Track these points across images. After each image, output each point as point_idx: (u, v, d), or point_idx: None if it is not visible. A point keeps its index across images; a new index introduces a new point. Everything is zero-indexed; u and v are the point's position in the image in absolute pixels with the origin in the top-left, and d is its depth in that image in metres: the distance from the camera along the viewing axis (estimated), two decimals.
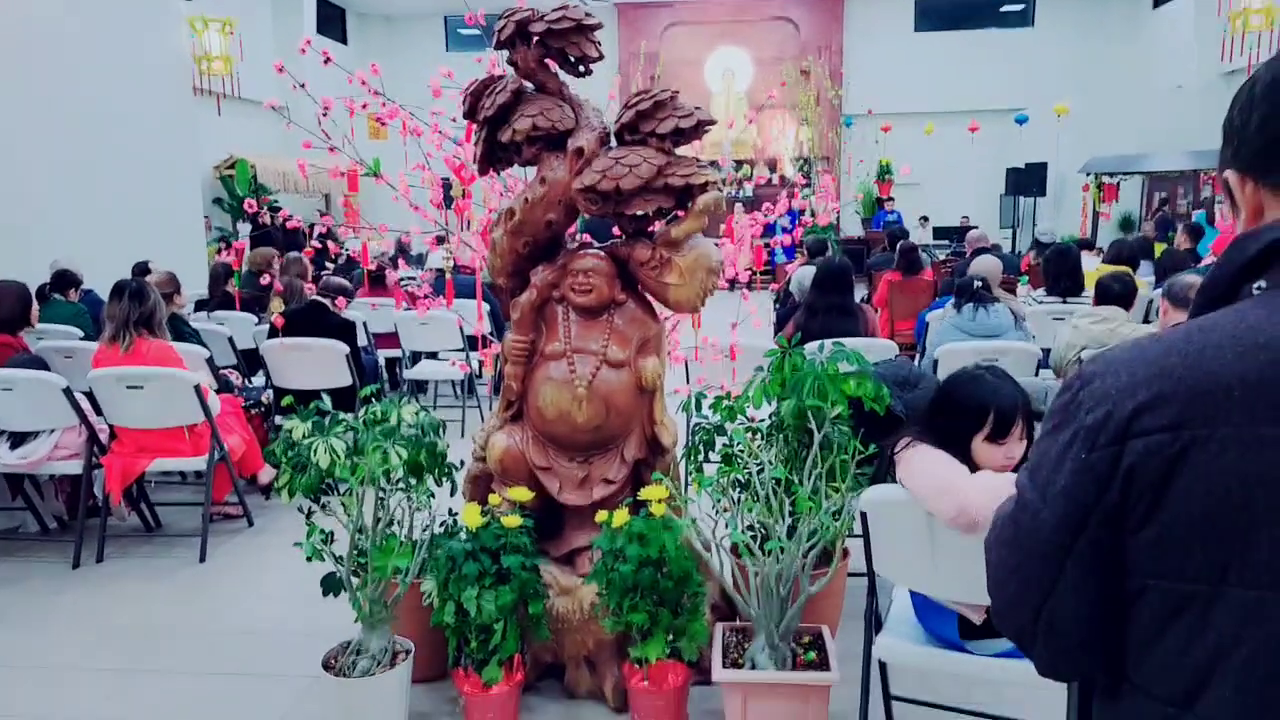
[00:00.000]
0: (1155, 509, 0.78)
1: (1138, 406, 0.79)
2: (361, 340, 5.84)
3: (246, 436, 4.21)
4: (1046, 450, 0.86)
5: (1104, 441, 0.80)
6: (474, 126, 2.88)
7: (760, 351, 4.42)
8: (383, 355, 6.61)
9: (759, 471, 2.55)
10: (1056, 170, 13.99)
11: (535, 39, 2.74)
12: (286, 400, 2.75)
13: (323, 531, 2.56)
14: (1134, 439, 0.79)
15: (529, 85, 2.84)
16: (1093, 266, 6.60)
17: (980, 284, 4.29)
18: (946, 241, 14.06)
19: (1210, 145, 11.63)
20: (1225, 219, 9.35)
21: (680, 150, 2.80)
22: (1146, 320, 5.49)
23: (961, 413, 2.11)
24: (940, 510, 1.93)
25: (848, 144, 17.31)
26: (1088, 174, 13.04)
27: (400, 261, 5.73)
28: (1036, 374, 4.12)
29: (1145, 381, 0.79)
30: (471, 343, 5.39)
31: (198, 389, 3.74)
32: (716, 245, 2.97)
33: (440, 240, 4.05)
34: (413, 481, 2.72)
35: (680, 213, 2.77)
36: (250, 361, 5.47)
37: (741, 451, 2.60)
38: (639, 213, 2.76)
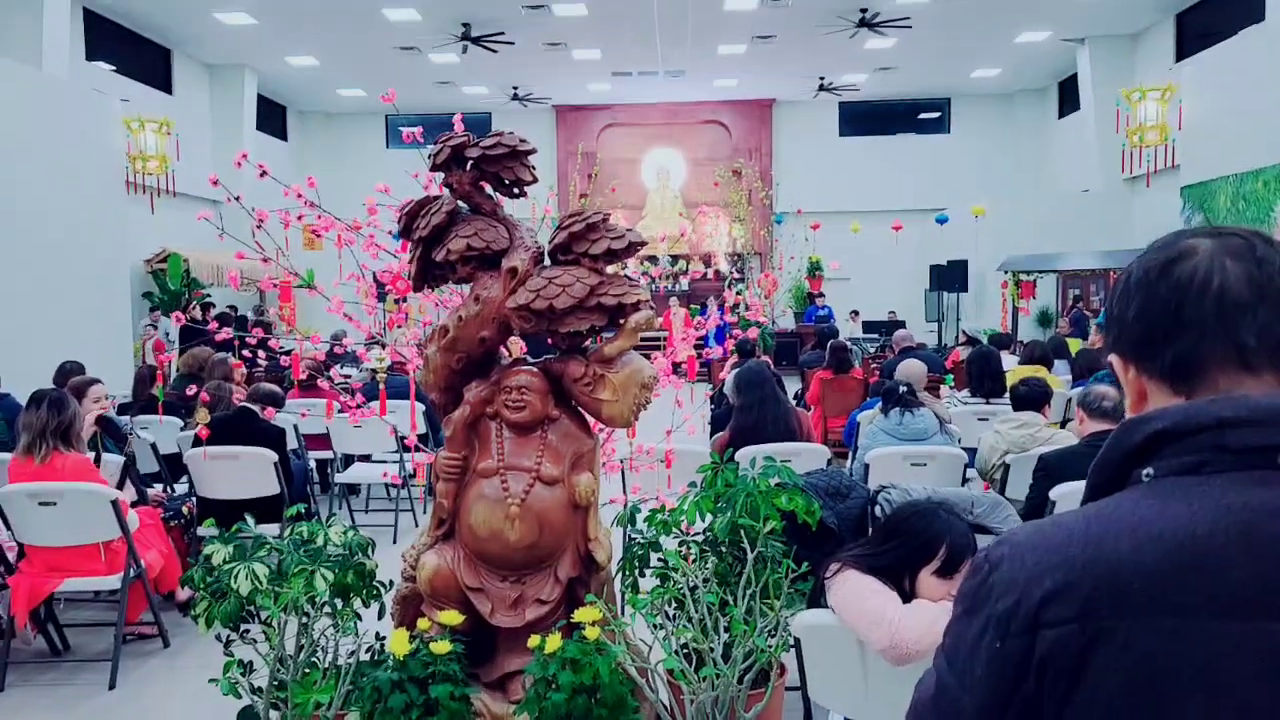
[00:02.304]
0: (1069, 698, 0.80)
1: (1045, 595, 0.81)
2: (292, 443, 5.70)
3: (165, 550, 4.03)
4: (962, 634, 0.87)
5: (1015, 630, 0.82)
6: (409, 244, 2.93)
7: (696, 457, 4.47)
8: (314, 457, 6.46)
9: (693, 590, 2.54)
10: (976, 267, 14.67)
11: (470, 163, 2.81)
12: (208, 523, 2.67)
13: (241, 663, 2.46)
14: (1044, 629, 0.80)
15: (464, 206, 2.90)
16: (1010, 365, 6.89)
17: (905, 389, 4.44)
18: (876, 335, 14.52)
19: (1116, 245, 12.38)
20: None
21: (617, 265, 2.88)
22: (1065, 420, 5.71)
23: (917, 542, 2.17)
24: (872, 640, 1.95)
25: (779, 241, 17.93)
26: (1005, 271, 13.68)
27: (332, 369, 5.67)
28: (964, 479, 4.24)
29: (1050, 570, 0.82)
30: (406, 445, 5.30)
31: (115, 504, 3.59)
32: (650, 359, 3.03)
33: (374, 344, 4.02)
34: (339, 604, 2.64)
35: (621, 322, 2.83)
36: (174, 467, 5.28)
37: (676, 570, 2.60)
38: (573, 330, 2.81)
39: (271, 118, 17.75)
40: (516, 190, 2.92)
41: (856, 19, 13.03)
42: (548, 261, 2.87)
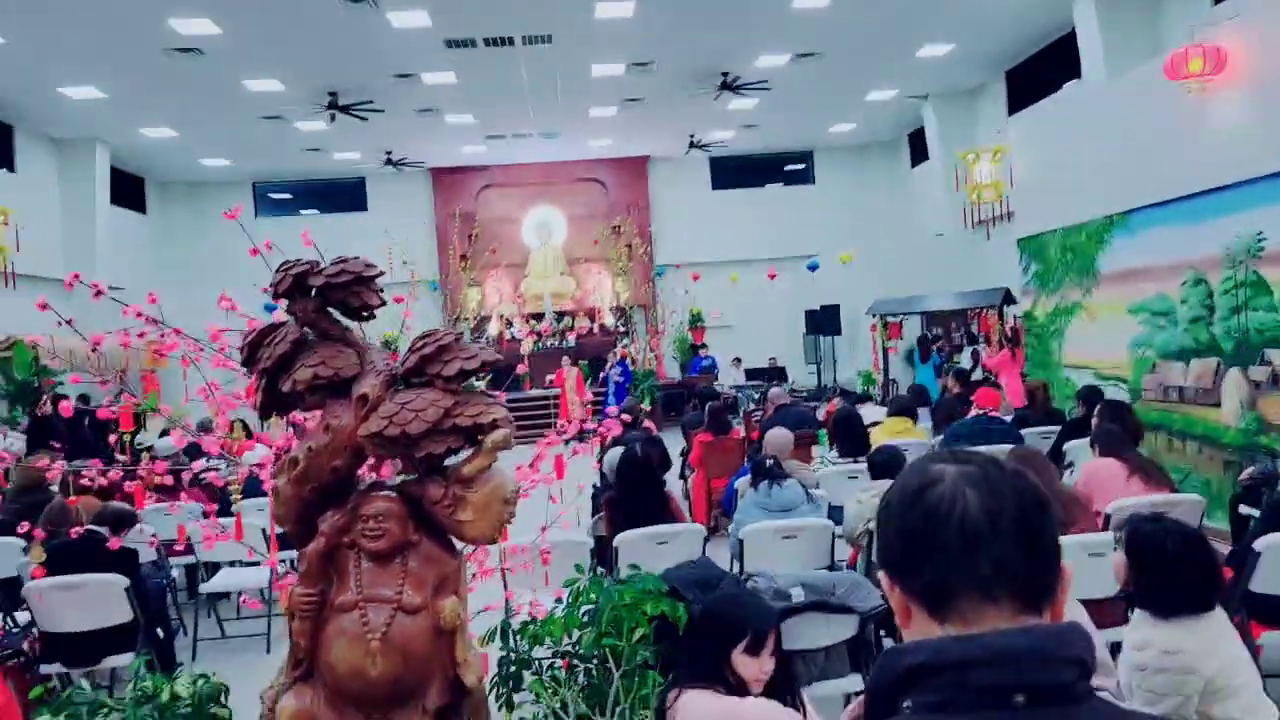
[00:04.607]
0: None
1: None
2: (151, 555, 5.39)
3: (1, 699, 3.71)
4: None
5: None
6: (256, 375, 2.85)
7: (575, 547, 4.47)
8: (179, 564, 6.11)
9: (560, 716, 2.53)
10: (848, 311, 15.32)
11: (314, 290, 2.77)
12: (35, 692, 2.49)
13: None
14: None
15: (310, 333, 2.85)
16: (878, 415, 7.21)
17: (771, 461, 4.59)
18: (759, 381, 14.93)
19: (970, 286, 13.17)
20: (987, 354, 10.52)
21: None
22: None
23: (725, 628, 2.37)
24: None
25: (662, 293, 18.27)
26: (873, 315, 14.33)
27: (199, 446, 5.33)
28: (832, 547, 4.38)
29: None
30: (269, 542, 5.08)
31: None
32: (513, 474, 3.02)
33: (227, 464, 3.86)
34: None
35: (481, 438, 2.81)
36: (12, 593, 4.88)
37: (539, 697, 2.59)
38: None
39: (128, 191, 16.93)
40: (365, 314, 2.89)
41: (719, 82, 13.57)
42: (401, 385, 2.85)
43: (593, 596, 2.72)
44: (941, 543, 0.93)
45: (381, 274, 2.89)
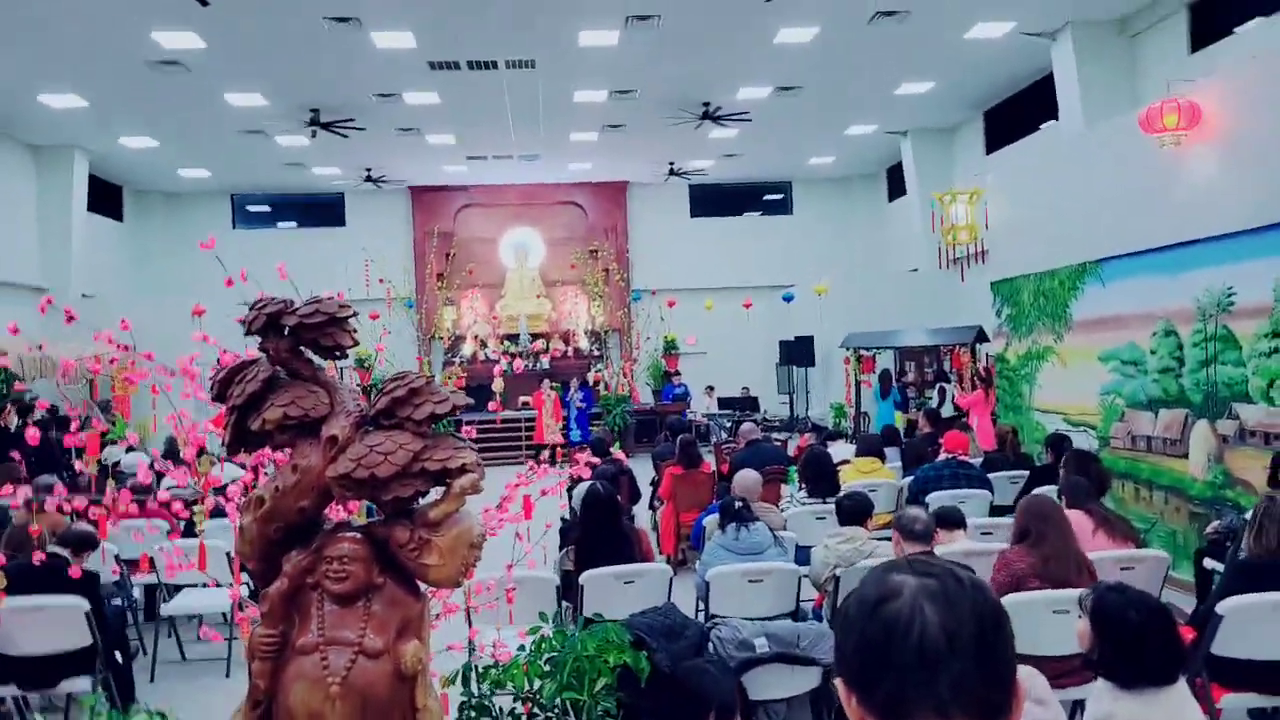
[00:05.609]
0: None
1: None
2: (114, 575, 5.32)
3: None
4: None
5: None
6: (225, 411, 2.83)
7: (542, 584, 4.45)
8: (139, 583, 6.01)
9: None
10: (822, 343, 15.44)
11: (287, 329, 2.77)
12: None
13: None
14: None
15: (281, 371, 2.84)
16: (846, 453, 7.27)
17: (740, 504, 4.61)
18: (731, 411, 14.99)
19: (943, 323, 13.34)
20: (959, 393, 10.65)
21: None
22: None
23: (688, 702, 2.33)
24: None
25: (637, 319, 18.34)
26: (847, 348, 14.45)
27: (169, 466, 5.23)
28: (798, 591, 4.41)
29: None
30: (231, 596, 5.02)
31: None
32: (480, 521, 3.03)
33: (190, 504, 3.82)
34: None
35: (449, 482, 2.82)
36: None
37: None
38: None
39: (105, 198, 16.76)
40: (338, 354, 2.89)
41: (700, 112, 13.72)
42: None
43: (556, 645, 2.72)
44: (899, 660, 0.94)
45: (354, 314, 2.90)
